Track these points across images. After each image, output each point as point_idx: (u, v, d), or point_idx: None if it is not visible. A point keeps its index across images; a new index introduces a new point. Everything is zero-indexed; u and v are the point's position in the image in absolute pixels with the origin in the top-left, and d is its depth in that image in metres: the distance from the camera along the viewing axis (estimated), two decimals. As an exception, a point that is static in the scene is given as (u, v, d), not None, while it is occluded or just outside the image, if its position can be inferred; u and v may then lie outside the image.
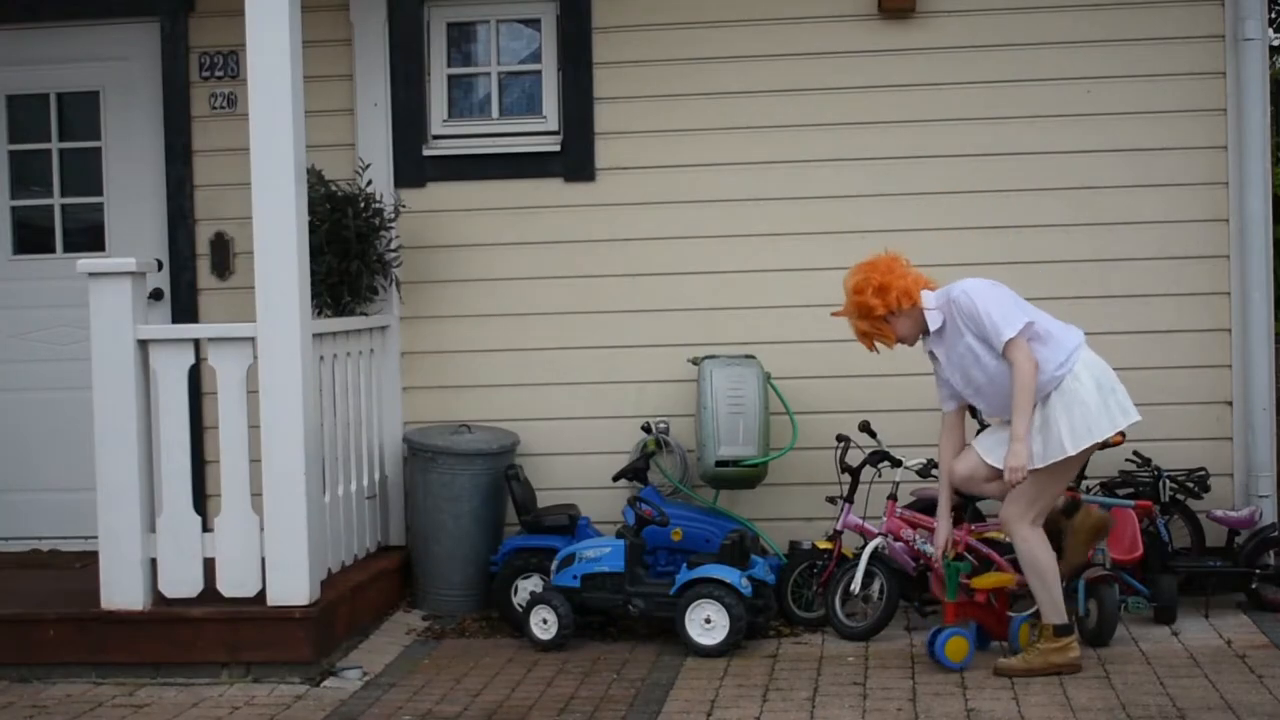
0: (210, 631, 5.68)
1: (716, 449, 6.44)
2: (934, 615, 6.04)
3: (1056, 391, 5.34)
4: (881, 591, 6.10)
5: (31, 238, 7.36)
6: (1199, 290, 6.69)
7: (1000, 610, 5.78)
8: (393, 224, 6.83)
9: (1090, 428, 5.33)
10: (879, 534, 6.14)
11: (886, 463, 6.28)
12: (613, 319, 6.93)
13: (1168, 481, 6.35)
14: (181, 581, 5.73)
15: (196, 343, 5.82)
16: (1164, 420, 6.50)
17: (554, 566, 6.20)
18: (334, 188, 6.67)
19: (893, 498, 6.18)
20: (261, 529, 5.69)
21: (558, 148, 6.95)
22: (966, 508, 6.19)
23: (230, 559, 5.72)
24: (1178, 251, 6.70)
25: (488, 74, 7.08)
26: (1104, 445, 5.54)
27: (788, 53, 6.83)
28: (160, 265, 7.00)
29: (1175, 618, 6.13)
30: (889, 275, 5.45)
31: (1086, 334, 5.52)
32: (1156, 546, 6.21)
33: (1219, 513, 6.41)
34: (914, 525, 6.09)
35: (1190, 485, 6.41)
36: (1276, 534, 6.36)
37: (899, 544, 6.09)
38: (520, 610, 6.21)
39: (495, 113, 7.07)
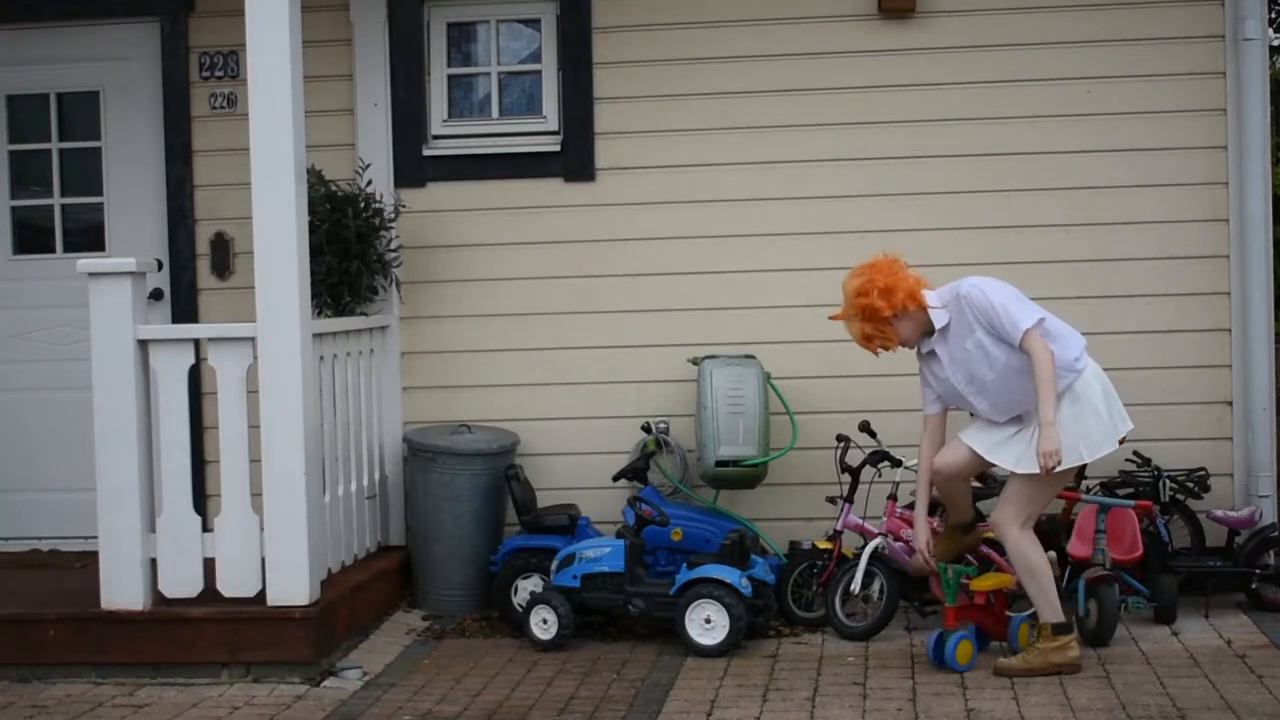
0: (210, 631, 5.68)
1: (716, 449, 6.44)
2: (934, 615, 6.04)
3: (1068, 397, 5.34)
4: (881, 591, 6.10)
5: (31, 238, 7.36)
6: (1199, 290, 6.68)
7: (999, 611, 5.78)
8: (393, 224, 6.83)
9: (1105, 437, 5.37)
10: (879, 534, 6.14)
11: (886, 463, 6.29)
12: (613, 319, 6.92)
13: (1168, 481, 6.35)
14: (181, 581, 5.73)
15: (196, 343, 5.82)
16: (1164, 420, 6.52)
17: (554, 566, 6.20)
18: (334, 188, 6.67)
19: (893, 498, 6.19)
20: (261, 529, 5.69)
21: (558, 148, 6.95)
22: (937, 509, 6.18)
23: (230, 559, 5.72)
24: (1178, 251, 6.69)
25: (488, 74, 7.08)
26: None
27: (788, 53, 6.83)
28: (160, 265, 7.00)
29: (1175, 618, 6.13)
30: (893, 277, 5.43)
31: (1087, 334, 5.53)
32: (1156, 546, 6.21)
33: (1219, 513, 6.41)
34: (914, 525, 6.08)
35: (1190, 485, 6.41)
36: (1276, 534, 6.36)
37: (899, 544, 6.09)
38: (520, 610, 6.21)
39: (495, 113, 7.07)
